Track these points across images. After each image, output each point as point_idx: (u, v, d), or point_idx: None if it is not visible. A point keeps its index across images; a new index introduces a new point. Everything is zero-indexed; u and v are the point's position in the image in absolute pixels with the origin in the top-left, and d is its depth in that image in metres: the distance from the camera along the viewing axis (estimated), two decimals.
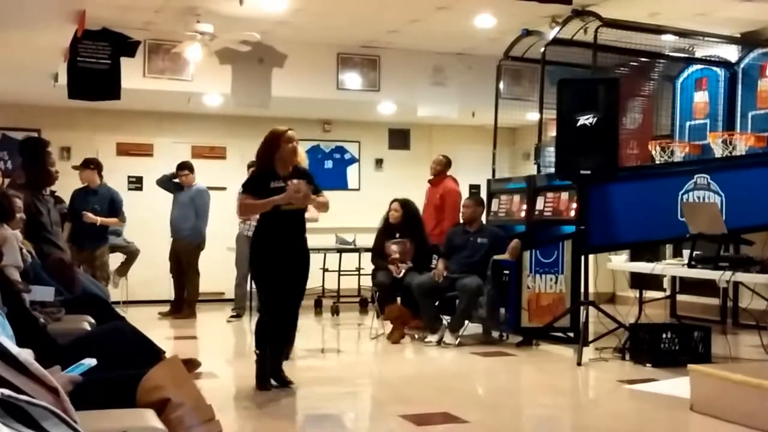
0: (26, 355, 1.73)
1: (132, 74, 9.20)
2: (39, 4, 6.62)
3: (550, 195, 8.07)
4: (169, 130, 11.53)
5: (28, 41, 7.71)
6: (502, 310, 7.83)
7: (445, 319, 7.96)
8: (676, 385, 5.73)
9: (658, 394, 5.80)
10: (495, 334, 8.23)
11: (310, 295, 10.87)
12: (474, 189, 11.30)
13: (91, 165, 9.45)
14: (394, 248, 8.42)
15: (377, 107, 11.03)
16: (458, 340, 7.78)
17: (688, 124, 9.25)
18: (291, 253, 5.72)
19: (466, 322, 7.94)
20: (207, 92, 10.10)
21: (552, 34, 8.24)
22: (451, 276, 7.92)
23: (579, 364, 6.73)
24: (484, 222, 8.46)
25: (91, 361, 2.72)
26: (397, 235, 8.53)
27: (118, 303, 10.17)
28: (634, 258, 8.80)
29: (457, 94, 10.61)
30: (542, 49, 8.16)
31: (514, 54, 9.07)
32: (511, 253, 7.70)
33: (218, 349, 8.37)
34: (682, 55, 9.27)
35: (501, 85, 9.40)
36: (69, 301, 4.94)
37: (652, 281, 8.92)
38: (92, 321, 4.56)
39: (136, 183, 11.52)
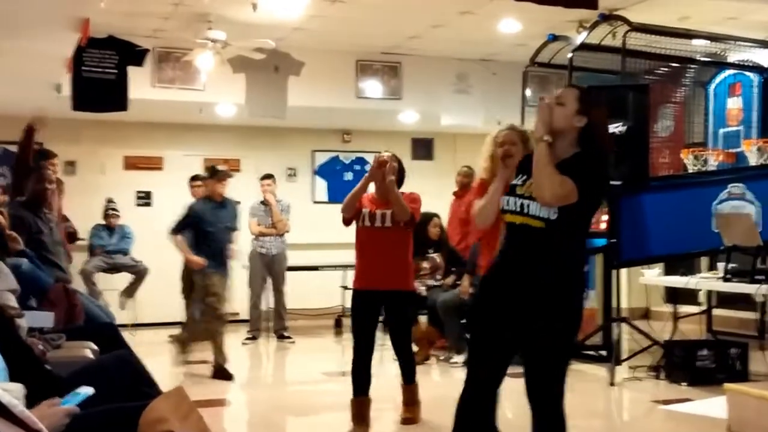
0: (10, 396, 1.67)
1: (140, 84, 9.19)
2: (40, 11, 6.61)
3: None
4: (180, 143, 11.51)
5: (29, 50, 7.70)
6: None
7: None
8: (713, 405, 5.77)
9: (694, 415, 5.80)
10: None
11: (330, 315, 10.88)
12: None
13: (219, 175, 8.07)
14: (425, 265, 8.46)
15: (399, 116, 10.97)
16: None
17: (721, 131, 9.16)
18: None
19: None
20: (220, 102, 10.07)
21: (579, 39, 8.17)
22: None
23: (612, 384, 6.68)
24: None
25: (87, 390, 2.65)
26: (431, 251, 8.56)
27: (125, 326, 10.16)
28: (668, 271, 8.71)
29: (481, 102, 10.54)
30: (569, 55, 8.10)
31: (540, 60, 9.01)
32: None
33: (234, 373, 8.29)
34: (714, 60, 9.17)
35: (527, 92, 9.32)
36: (72, 326, 4.89)
37: (688, 295, 8.90)
38: (95, 348, 4.50)
39: (145, 198, 11.50)
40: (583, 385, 7.01)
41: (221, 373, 7.57)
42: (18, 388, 2.12)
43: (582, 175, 3.26)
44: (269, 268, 9.82)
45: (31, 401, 2.65)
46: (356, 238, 5.60)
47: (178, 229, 7.86)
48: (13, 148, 10.80)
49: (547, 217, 3.28)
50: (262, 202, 9.89)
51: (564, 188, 3.23)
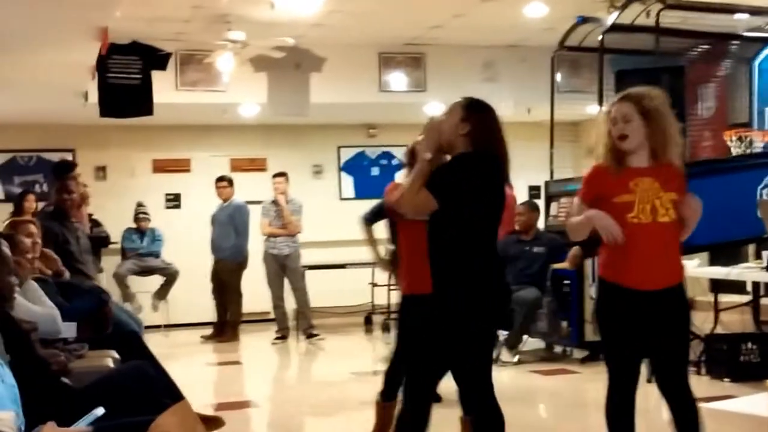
0: (2, 426, 1.69)
1: (164, 88, 9.25)
2: (61, 22, 6.68)
3: (568, 201, 7.87)
4: (206, 144, 11.58)
5: (54, 61, 7.80)
6: (564, 324, 7.67)
7: (502, 335, 7.83)
8: (757, 403, 5.51)
9: (736, 413, 5.57)
10: (557, 349, 8.07)
11: (360, 312, 10.89)
12: (534, 191, 11.14)
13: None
14: None
15: (424, 108, 10.91)
16: (517, 357, 7.65)
17: (767, 110, 8.93)
18: None
19: (525, 337, 7.80)
20: (243, 102, 10.11)
21: (610, 19, 8.00)
22: None
23: (650, 381, 6.55)
24: (540, 228, 8.30)
25: (98, 411, 2.68)
26: None
27: (159, 327, 10.30)
28: (713, 260, 8.51)
29: (510, 90, 10.43)
30: (600, 37, 7.96)
31: (570, 43, 8.88)
32: (572, 261, 7.54)
33: (262, 375, 8.36)
34: (758, 34, 8.93)
35: (557, 78, 9.21)
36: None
37: (734, 285, 8.56)
38: (116, 357, 4.55)
39: (174, 201, 11.61)
40: None
41: None
42: (10, 417, 2.14)
43: (432, 183, 3.40)
44: (283, 269, 9.81)
45: (45, 418, 2.69)
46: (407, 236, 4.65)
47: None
48: (47, 156, 11.05)
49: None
50: (273, 202, 9.87)
51: (418, 198, 3.42)
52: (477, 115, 3.52)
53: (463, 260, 3.45)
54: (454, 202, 3.40)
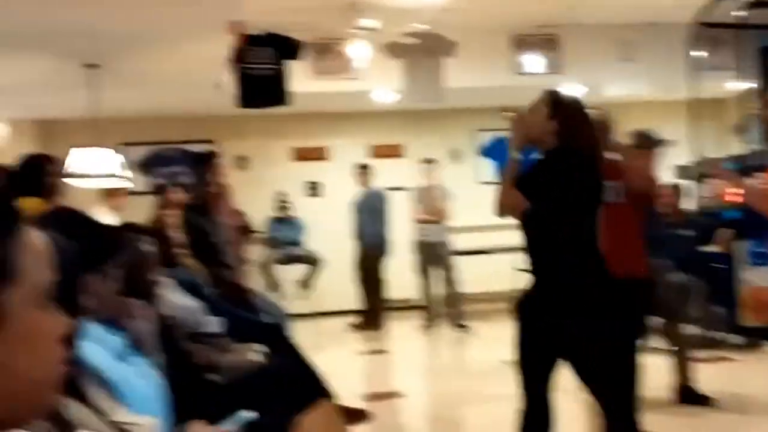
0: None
1: (299, 77, 9.32)
2: (198, 16, 6.83)
3: (765, 175, 7.48)
4: (344, 131, 11.67)
5: (191, 54, 8.02)
6: (717, 309, 7.34)
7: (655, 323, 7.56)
8: None
9: None
10: (711, 335, 7.75)
11: (503, 299, 10.70)
12: (678, 171, 10.76)
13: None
14: None
15: (560, 89, 10.65)
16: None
17: None
18: None
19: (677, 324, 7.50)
20: (377, 89, 10.12)
21: None
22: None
23: None
24: (685, 210, 7.98)
25: (249, 415, 2.66)
26: None
27: (305, 316, 10.44)
28: None
29: (647, 69, 10.05)
30: (742, 12, 7.57)
31: (710, 20, 8.49)
32: (722, 244, 7.20)
33: (410, 364, 8.34)
34: None
35: (697, 55, 8.83)
36: (239, 328, 4.99)
37: None
38: (262, 350, 4.58)
39: (313, 189, 11.73)
40: None
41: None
42: (150, 424, 2.14)
43: (524, 182, 3.39)
44: (433, 256, 9.77)
45: (192, 415, 2.71)
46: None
47: None
48: (188, 148, 11.35)
49: None
50: (423, 188, 9.82)
51: (509, 198, 3.43)
52: (564, 109, 3.48)
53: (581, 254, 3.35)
54: (551, 199, 3.33)
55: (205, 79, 9.22)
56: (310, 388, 3.60)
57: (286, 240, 10.71)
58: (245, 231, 9.08)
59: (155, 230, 4.56)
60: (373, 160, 11.12)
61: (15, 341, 0.97)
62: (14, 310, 0.97)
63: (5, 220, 1.02)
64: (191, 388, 3.20)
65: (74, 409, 1.73)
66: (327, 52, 9.61)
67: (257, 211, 10.35)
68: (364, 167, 10.38)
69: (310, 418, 2.57)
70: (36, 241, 1.04)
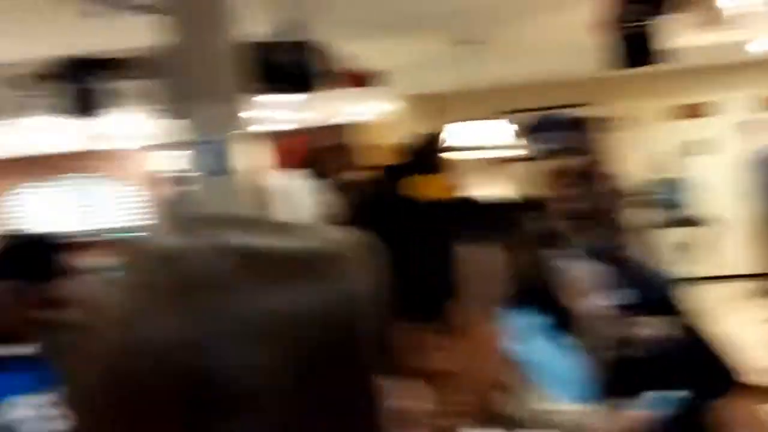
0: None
1: (673, 31, 8.87)
2: None
3: None
4: (725, 86, 10.91)
5: (571, 20, 7.96)
6: None
7: None
8: None
9: None
10: None
11: None
12: None
13: None
14: None
15: None
16: None
17: None
18: None
19: None
20: (754, 39, 9.33)
21: None
22: None
23: None
24: None
25: (677, 394, 2.54)
26: None
27: (695, 280, 9.95)
28: None
29: None
30: None
31: None
32: None
33: None
34: None
35: None
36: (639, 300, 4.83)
37: None
38: (664, 322, 4.39)
39: (692, 148, 11.14)
40: None
41: None
42: (578, 410, 2.02)
43: None
44: None
45: (606, 392, 2.62)
46: None
47: None
48: (566, 113, 11.19)
49: None
50: None
51: None
52: None
53: None
54: None
55: (583, 42, 9.09)
56: (719, 367, 3.38)
57: (665, 202, 10.34)
58: (624, 195, 8.87)
59: (549, 201, 4.51)
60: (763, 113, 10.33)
61: (471, 349, 1.11)
62: (469, 321, 1.10)
63: (449, 239, 1.14)
64: (610, 365, 3.11)
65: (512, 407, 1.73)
66: (697, 3, 9.08)
67: (635, 174, 10.04)
68: (757, 122, 9.70)
69: (732, 407, 2.37)
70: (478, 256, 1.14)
